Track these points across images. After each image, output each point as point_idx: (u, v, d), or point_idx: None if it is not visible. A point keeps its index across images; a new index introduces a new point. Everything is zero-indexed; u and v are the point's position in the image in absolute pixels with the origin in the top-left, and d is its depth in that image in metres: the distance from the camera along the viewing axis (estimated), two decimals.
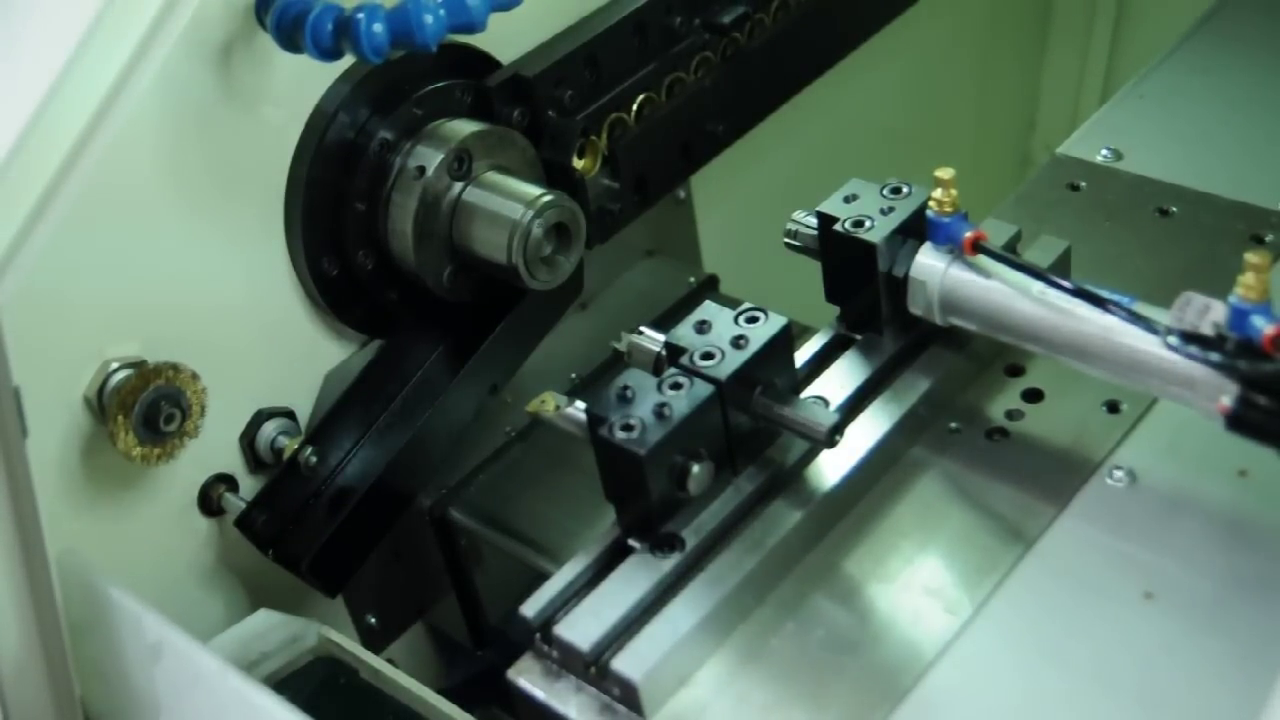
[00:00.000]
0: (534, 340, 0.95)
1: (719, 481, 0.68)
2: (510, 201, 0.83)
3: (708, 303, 0.72)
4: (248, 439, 0.86)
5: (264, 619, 0.83)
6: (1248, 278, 0.59)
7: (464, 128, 0.85)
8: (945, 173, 0.70)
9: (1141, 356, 0.64)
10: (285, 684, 0.80)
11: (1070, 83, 1.62)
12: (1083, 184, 0.91)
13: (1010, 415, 0.75)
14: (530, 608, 0.65)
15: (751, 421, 0.70)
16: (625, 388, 0.67)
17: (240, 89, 0.78)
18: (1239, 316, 0.60)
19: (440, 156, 0.84)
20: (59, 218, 0.61)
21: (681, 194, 1.14)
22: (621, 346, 0.72)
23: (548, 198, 0.83)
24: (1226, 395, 0.60)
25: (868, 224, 0.74)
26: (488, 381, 0.91)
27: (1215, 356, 0.60)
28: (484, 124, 0.86)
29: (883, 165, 1.47)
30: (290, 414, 0.88)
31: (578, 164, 0.92)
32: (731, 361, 0.68)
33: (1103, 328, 0.66)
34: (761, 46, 1.03)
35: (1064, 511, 0.69)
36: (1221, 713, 0.59)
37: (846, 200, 0.76)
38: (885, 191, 0.75)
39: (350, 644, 0.81)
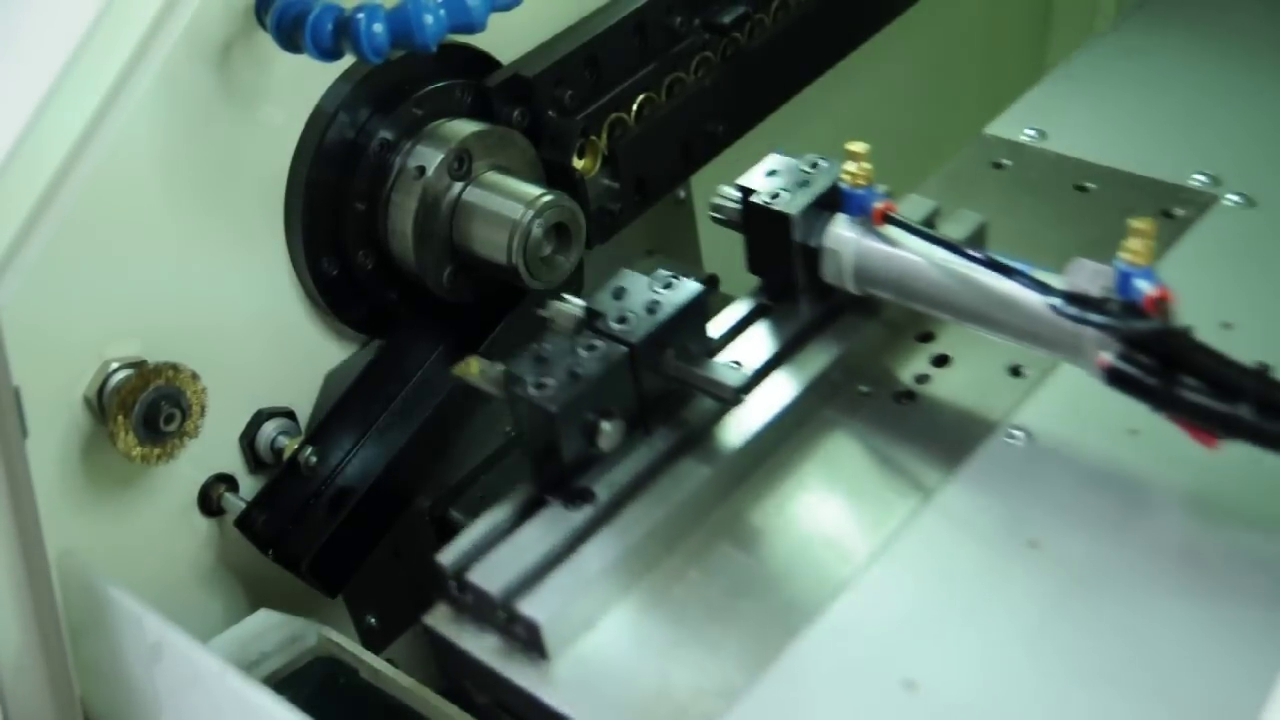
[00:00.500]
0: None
1: (632, 440, 0.71)
2: (510, 201, 0.84)
3: (625, 271, 0.75)
4: (248, 439, 0.86)
5: (264, 619, 0.83)
6: (1132, 243, 0.62)
7: (464, 128, 0.85)
8: (858, 146, 0.73)
9: (1035, 320, 0.67)
10: (285, 684, 0.80)
11: None
12: (1007, 162, 0.94)
13: (919, 379, 0.78)
14: (447, 556, 0.68)
15: (664, 383, 0.72)
16: (542, 349, 0.70)
17: (240, 89, 0.78)
18: (1124, 280, 0.63)
19: (440, 156, 0.84)
20: (59, 218, 0.61)
21: (681, 194, 1.14)
22: (546, 313, 0.75)
23: (548, 198, 0.83)
24: (1108, 353, 0.63)
25: (784, 196, 0.77)
26: None
27: (1096, 317, 0.63)
28: (484, 124, 0.86)
29: (883, 165, 1.47)
30: (290, 414, 0.87)
31: (578, 164, 0.92)
32: (644, 325, 0.71)
33: (1000, 293, 0.69)
34: (761, 46, 1.03)
35: (962, 468, 0.72)
36: (1089, 650, 0.62)
37: (767, 174, 0.79)
38: (804, 165, 0.79)
39: (350, 644, 0.81)
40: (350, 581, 0.87)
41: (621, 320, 0.71)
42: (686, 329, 0.72)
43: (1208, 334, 0.62)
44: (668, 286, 0.73)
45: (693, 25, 0.98)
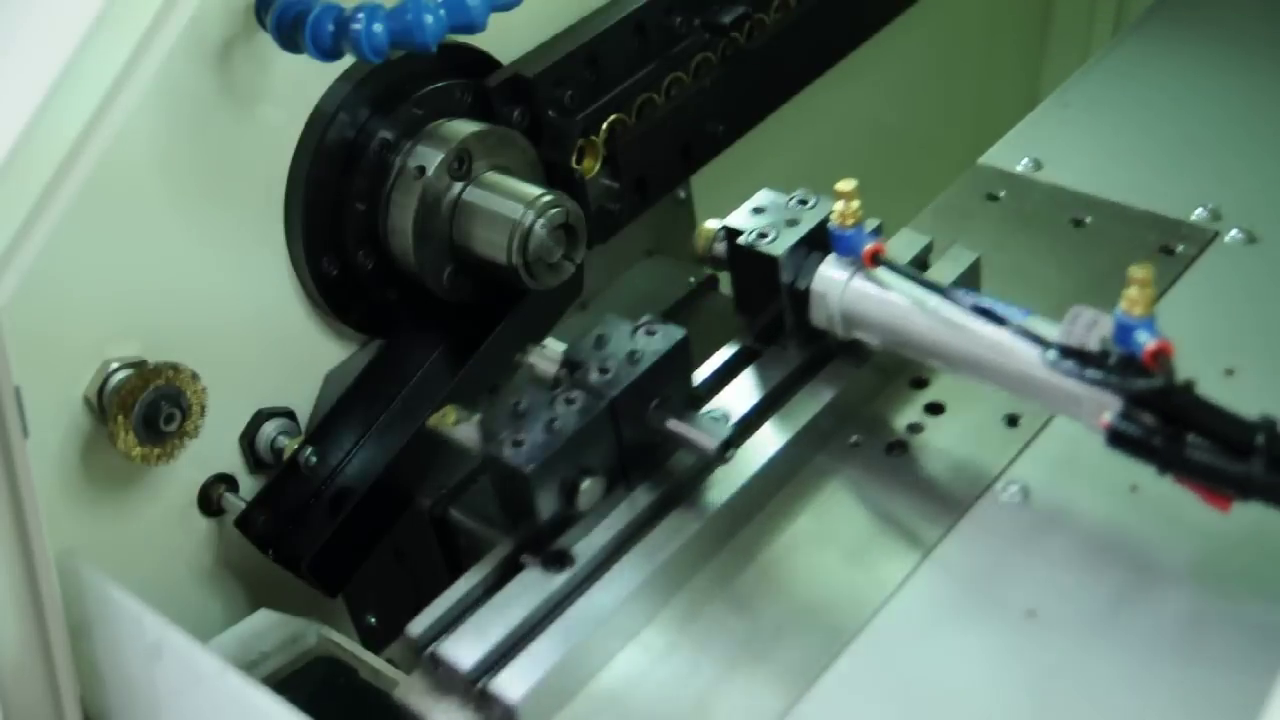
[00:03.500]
0: (534, 340, 0.94)
1: (614, 496, 0.68)
2: (510, 201, 0.84)
3: (609, 317, 0.71)
4: (248, 439, 0.86)
5: (264, 619, 0.83)
6: (1131, 292, 0.59)
7: (464, 128, 0.85)
8: (846, 185, 0.69)
9: (1030, 372, 0.64)
10: (285, 684, 0.80)
11: None
12: (1001, 194, 0.90)
13: (911, 428, 0.75)
14: (417, 625, 0.64)
15: (647, 434, 0.69)
16: (518, 402, 0.67)
17: (240, 89, 0.78)
18: (1123, 331, 0.60)
19: (440, 156, 0.84)
20: (59, 217, 0.61)
21: (681, 194, 1.14)
22: (525, 359, 0.72)
23: (548, 198, 0.83)
24: (1109, 411, 0.60)
25: (771, 236, 0.74)
26: (488, 381, 0.91)
27: (1093, 373, 0.60)
28: (484, 124, 0.86)
29: (882, 165, 1.47)
30: (290, 414, 0.88)
31: (586, 162, 0.92)
32: (624, 377, 0.67)
33: (993, 344, 0.65)
34: (761, 46, 1.03)
35: (954, 529, 0.68)
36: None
37: (754, 212, 0.76)
38: (792, 203, 0.75)
39: (350, 644, 0.81)
40: (350, 581, 0.87)
41: (603, 370, 0.68)
42: (669, 378, 0.69)
43: (1210, 381, 0.60)
44: (650, 334, 0.69)
45: (693, 25, 0.98)
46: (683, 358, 0.70)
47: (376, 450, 0.86)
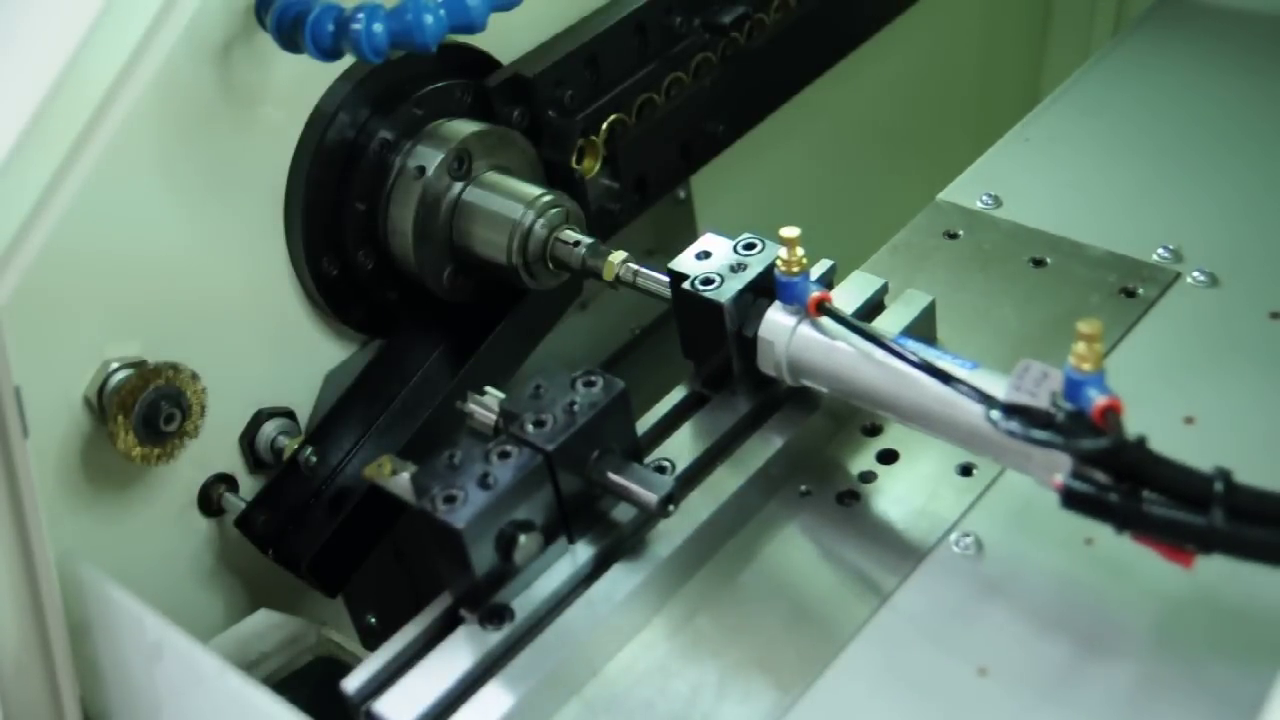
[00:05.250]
0: (534, 340, 0.95)
1: (554, 549, 0.66)
2: (510, 201, 0.84)
3: (546, 368, 0.69)
4: (248, 439, 0.86)
5: (264, 619, 0.83)
6: (1079, 348, 0.57)
7: (464, 128, 0.85)
8: (791, 231, 0.68)
9: (979, 428, 0.62)
10: (285, 684, 0.80)
11: None
12: (960, 232, 0.88)
13: (863, 477, 0.73)
14: (352, 683, 0.62)
15: (588, 485, 0.67)
16: (453, 455, 0.64)
17: (240, 89, 0.78)
18: (1073, 387, 0.58)
19: (440, 156, 0.84)
20: (59, 217, 0.61)
21: (681, 194, 1.14)
22: (464, 408, 0.71)
23: (548, 198, 0.83)
24: (1061, 471, 0.58)
25: (717, 282, 0.72)
26: (488, 381, 0.90)
27: (1040, 433, 0.58)
28: (484, 124, 0.87)
29: (882, 165, 1.47)
30: (290, 414, 0.88)
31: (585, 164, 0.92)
32: (561, 430, 0.65)
33: (940, 398, 0.64)
34: (761, 46, 1.04)
35: (906, 582, 0.67)
36: None
37: (699, 256, 0.74)
38: (739, 247, 0.73)
39: (350, 644, 0.82)
40: (350, 581, 0.87)
41: (539, 424, 0.65)
42: (609, 431, 0.67)
43: (1168, 431, 0.58)
44: (589, 385, 0.67)
45: (693, 25, 0.98)
46: (623, 409, 0.67)
47: (376, 450, 0.86)
